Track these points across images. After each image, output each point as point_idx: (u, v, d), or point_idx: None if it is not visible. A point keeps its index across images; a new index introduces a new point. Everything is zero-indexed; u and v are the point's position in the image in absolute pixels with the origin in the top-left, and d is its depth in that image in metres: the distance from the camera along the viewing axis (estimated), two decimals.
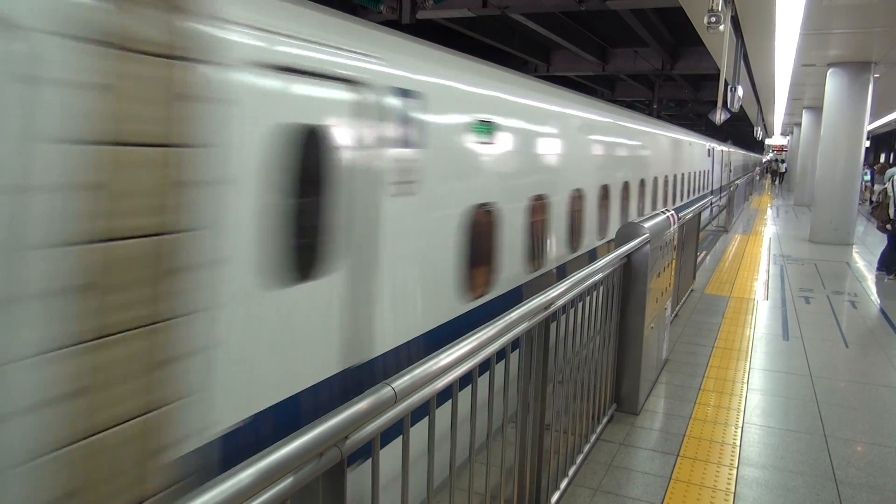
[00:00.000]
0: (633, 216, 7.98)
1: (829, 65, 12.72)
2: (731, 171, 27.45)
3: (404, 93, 3.17)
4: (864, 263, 10.86)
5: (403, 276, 3.24)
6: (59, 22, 1.62)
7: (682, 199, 12.85)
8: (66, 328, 1.66)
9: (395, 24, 4.40)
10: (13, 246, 1.58)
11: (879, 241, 10.88)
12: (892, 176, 9.73)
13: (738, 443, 4.04)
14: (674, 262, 5.55)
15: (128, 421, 1.80)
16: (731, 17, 8.17)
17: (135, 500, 1.84)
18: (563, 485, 3.35)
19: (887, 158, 38.67)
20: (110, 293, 1.76)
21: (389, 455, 1.97)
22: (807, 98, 19.61)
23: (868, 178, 22.34)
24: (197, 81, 2.01)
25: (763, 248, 12.31)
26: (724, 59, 8.26)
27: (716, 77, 10.46)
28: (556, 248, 5.51)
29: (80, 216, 1.69)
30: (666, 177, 10.89)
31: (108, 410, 1.75)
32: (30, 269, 1.60)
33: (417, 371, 1.84)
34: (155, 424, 1.89)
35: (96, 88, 1.70)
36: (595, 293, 3.56)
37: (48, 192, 1.62)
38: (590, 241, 6.37)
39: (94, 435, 1.72)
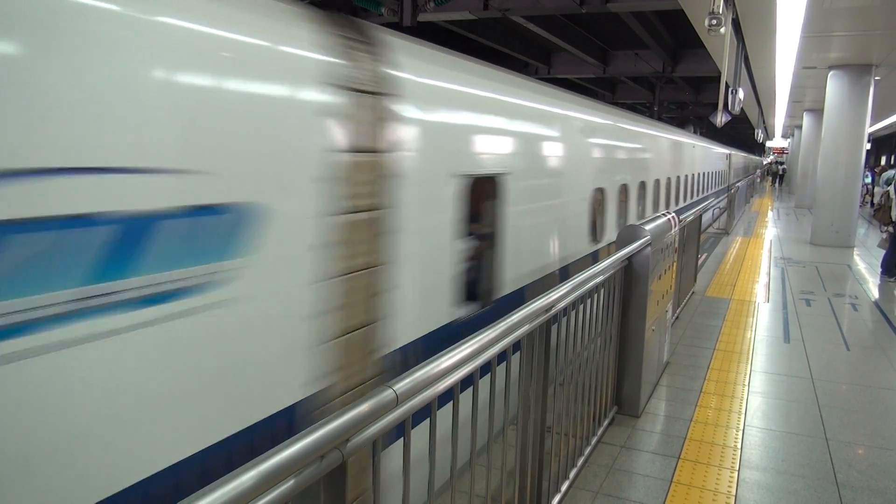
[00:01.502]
0: None
1: (830, 67, 12.73)
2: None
3: None
4: (865, 266, 10.85)
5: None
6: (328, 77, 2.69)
7: None
8: (332, 266, 2.72)
9: (395, 27, 4.40)
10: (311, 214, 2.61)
11: (877, 247, 10.86)
12: (893, 178, 9.73)
13: (739, 445, 4.03)
14: (675, 264, 5.55)
15: (359, 328, 2.91)
16: (732, 19, 8.18)
17: (362, 380, 2.94)
18: (563, 487, 3.34)
19: (888, 161, 38.65)
20: (351, 246, 2.83)
21: (390, 457, 1.97)
22: (807, 100, 19.62)
23: (869, 180, 22.34)
24: (389, 109, 3.09)
25: (764, 251, 12.31)
26: (725, 62, 8.26)
27: (716, 79, 10.49)
28: None
29: (337, 197, 2.73)
30: None
31: (351, 320, 2.84)
32: (314, 230, 2.63)
33: (419, 373, 1.84)
34: (372, 332, 3.01)
35: (344, 116, 2.77)
36: (596, 296, 3.56)
37: (324, 182, 2.66)
38: None
39: (344, 335, 2.79)
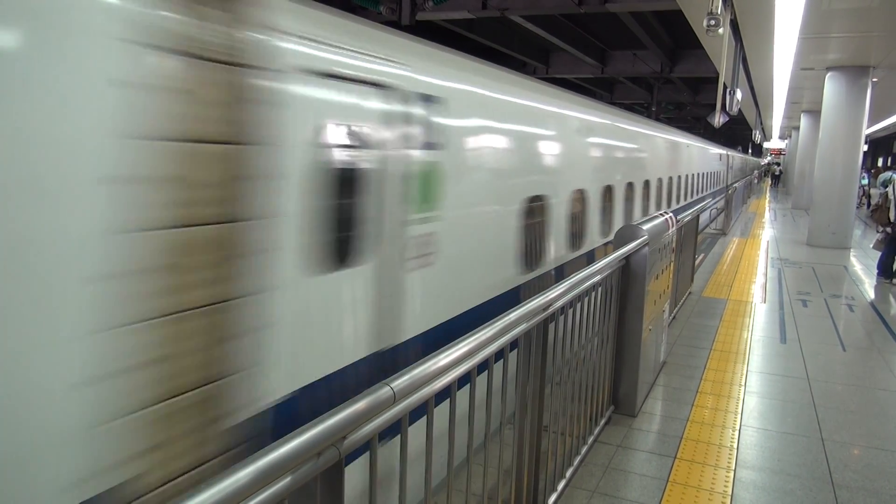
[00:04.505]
0: None
1: (828, 68, 12.75)
2: None
3: (425, 98, 3.31)
4: (861, 267, 10.88)
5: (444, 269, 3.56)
6: (145, 33, 1.89)
7: None
8: (146, 304, 1.91)
9: (394, 26, 4.40)
10: (103, 230, 1.81)
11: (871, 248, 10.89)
12: (893, 179, 9.76)
13: (735, 445, 4.04)
14: (672, 264, 5.56)
15: (192, 390, 2.05)
16: (731, 20, 8.20)
17: (195, 462, 2.07)
18: (560, 486, 3.35)
19: (885, 162, 38.78)
20: (185, 273, 2.01)
21: (387, 455, 1.97)
22: (805, 102, 19.66)
23: (866, 181, 22.40)
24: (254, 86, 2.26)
25: (761, 252, 12.33)
26: (723, 63, 8.28)
27: (714, 80, 10.51)
28: None
29: (160, 205, 1.93)
30: None
31: (176, 380, 2.00)
32: (115, 251, 1.84)
33: (416, 371, 1.84)
34: (214, 394, 2.12)
35: (177, 92, 1.97)
36: (593, 295, 3.57)
37: (132, 183, 1.87)
38: None
39: (164, 401, 1.96)
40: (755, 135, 28.20)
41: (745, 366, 5.55)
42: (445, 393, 2.06)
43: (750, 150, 55.60)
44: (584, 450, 3.76)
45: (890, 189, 9.62)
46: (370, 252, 2.96)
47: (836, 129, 12.83)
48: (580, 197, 6.03)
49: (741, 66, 10.82)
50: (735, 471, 3.72)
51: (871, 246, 10.46)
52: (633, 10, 11.61)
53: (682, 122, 35.94)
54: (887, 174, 11.25)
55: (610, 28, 14.67)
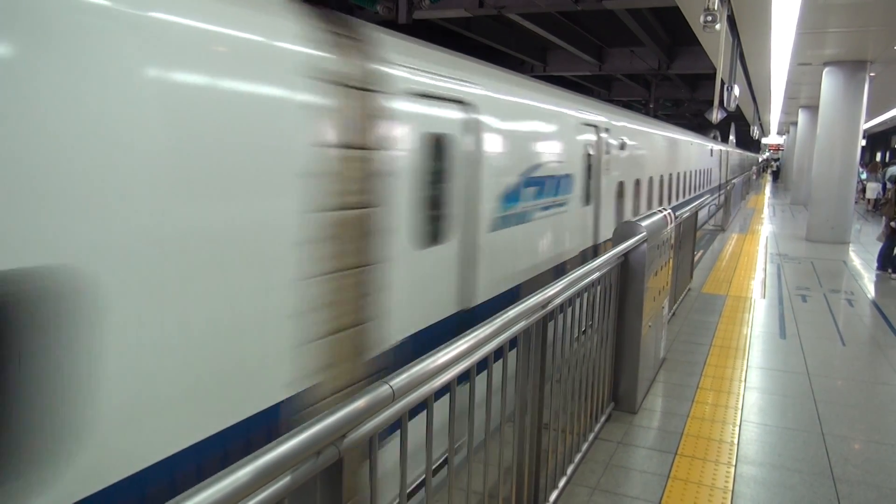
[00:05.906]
0: None
1: (825, 64, 12.75)
2: None
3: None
4: (860, 262, 10.89)
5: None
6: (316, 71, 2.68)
7: None
8: (319, 265, 2.68)
9: (391, 25, 4.38)
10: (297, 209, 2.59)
11: (875, 239, 10.90)
12: None
13: (735, 441, 4.04)
14: (671, 260, 5.56)
15: (349, 328, 2.88)
16: (728, 16, 8.19)
17: (351, 380, 2.90)
18: (561, 483, 3.35)
19: (883, 157, 38.78)
20: (340, 244, 2.81)
21: (387, 453, 1.96)
22: (803, 97, 19.66)
23: (864, 176, 22.38)
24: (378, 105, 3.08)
25: (760, 247, 12.34)
26: (721, 59, 8.28)
27: (712, 76, 10.50)
28: None
29: (325, 194, 2.71)
30: None
31: (339, 320, 2.81)
32: (303, 227, 2.61)
33: (415, 369, 1.84)
34: (362, 331, 2.98)
35: (332, 112, 2.75)
36: (592, 292, 3.57)
37: (311, 177, 2.64)
38: None
39: (334, 333, 2.79)
40: (753, 130, 28.16)
41: (745, 361, 5.56)
42: (445, 391, 2.06)
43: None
44: (584, 447, 3.76)
45: None
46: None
47: (833, 125, 12.83)
48: None
49: (738, 61, 10.81)
50: (736, 466, 3.72)
51: (877, 238, 10.45)
52: (630, 7, 11.58)
53: (681, 118, 35.88)
54: (894, 169, 11.27)
55: (607, 25, 14.65)
